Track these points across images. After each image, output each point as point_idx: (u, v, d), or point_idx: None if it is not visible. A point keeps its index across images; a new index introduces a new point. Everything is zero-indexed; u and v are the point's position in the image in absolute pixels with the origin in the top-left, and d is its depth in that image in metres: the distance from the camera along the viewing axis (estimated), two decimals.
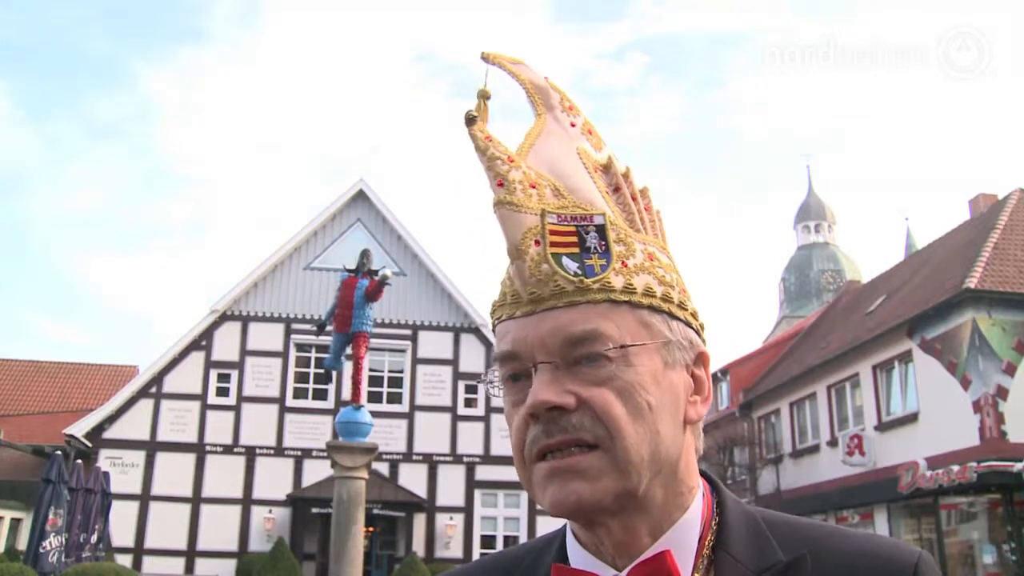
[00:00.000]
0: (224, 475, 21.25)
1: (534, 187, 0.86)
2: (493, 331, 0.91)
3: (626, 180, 0.94)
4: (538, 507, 22.09)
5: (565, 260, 0.83)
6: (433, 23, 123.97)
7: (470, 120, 0.88)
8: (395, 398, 22.65)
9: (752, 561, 0.83)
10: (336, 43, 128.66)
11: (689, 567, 0.83)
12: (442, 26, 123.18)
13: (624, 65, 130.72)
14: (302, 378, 22.58)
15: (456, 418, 22.55)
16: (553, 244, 0.84)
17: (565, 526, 0.92)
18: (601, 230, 0.86)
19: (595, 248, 0.85)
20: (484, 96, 0.91)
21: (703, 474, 0.91)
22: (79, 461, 15.93)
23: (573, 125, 0.97)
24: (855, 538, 0.86)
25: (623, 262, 0.85)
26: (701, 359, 0.90)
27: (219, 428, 21.75)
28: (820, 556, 0.83)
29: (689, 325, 0.89)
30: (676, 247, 0.97)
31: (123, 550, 19.44)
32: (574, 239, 0.85)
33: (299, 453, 21.68)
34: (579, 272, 0.83)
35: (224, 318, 22.73)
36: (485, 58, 0.96)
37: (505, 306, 0.88)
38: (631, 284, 0.84)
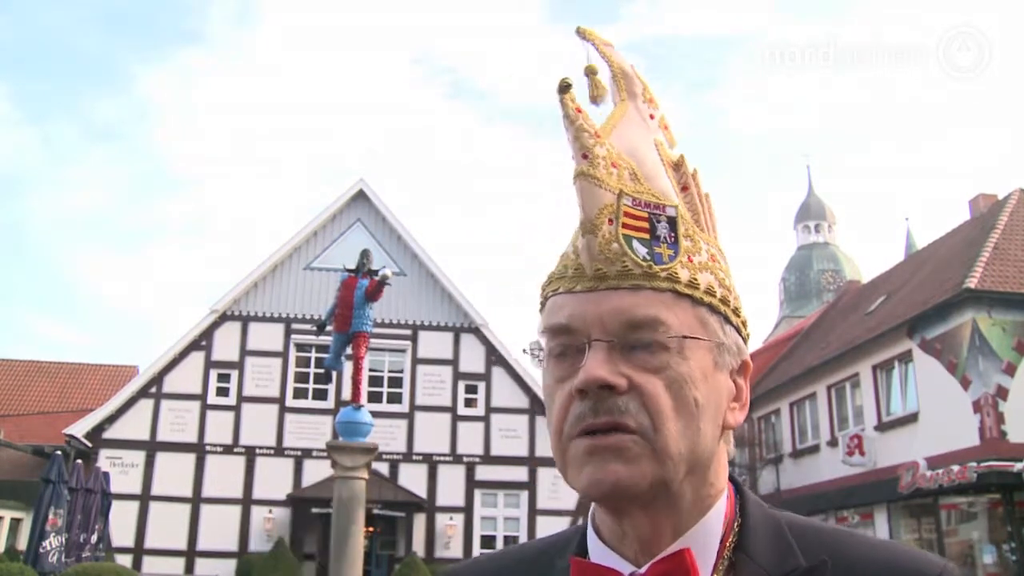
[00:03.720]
0: (224, 475, 21.26)
1: (615, 166, 0.87)
2: (542, 306, 0.90)
3: (694, 180, 0.95)
4: (538, 507, 22.28)
5: (635, 244, 0.84)
6: (429, 25, 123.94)
7: (564, 88, 0.86)
8: (395, 398, 22.66)
9: (772, 565, 0.83)
10: (333, 44, 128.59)
11: (709, 568, 0.82)
12: (438, 28, 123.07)
13: None
14: (302, 378, 22.58)
15: (456, 418, 22.55)
16: (625, 226, 0.84)
17: (586, 523, 0.92)
18: (672, 222, 0.86)
19: (665, 238, 0.85)
20: (592, 72, 0.91)
21: (729, 478, 0.91)
22: (79, 461, 15.92)
23: (652, 117, 0.98)
24: (878, 547, 0.85)
25: (689, 257, 0.86)
26: (744, 368, 0.90)
27: (219, 428, 21.75)
28: (841, 563, 0.82)
29: (739, 332, 0.90)
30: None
31: (123, 550, 19.44)
32: (646, 225, 0.85)
33: (299, 453, 21.68)
34: (648, 257, 0.83)
35: (224, 318, 22.73)
36: (580, 33, 0.95)
37: (565, 279, 0.87)
38: (695, 279, 0.85)
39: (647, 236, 0.84)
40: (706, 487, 0.85)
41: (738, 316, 0.90)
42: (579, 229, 0.86)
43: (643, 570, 0.82)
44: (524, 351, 0.93)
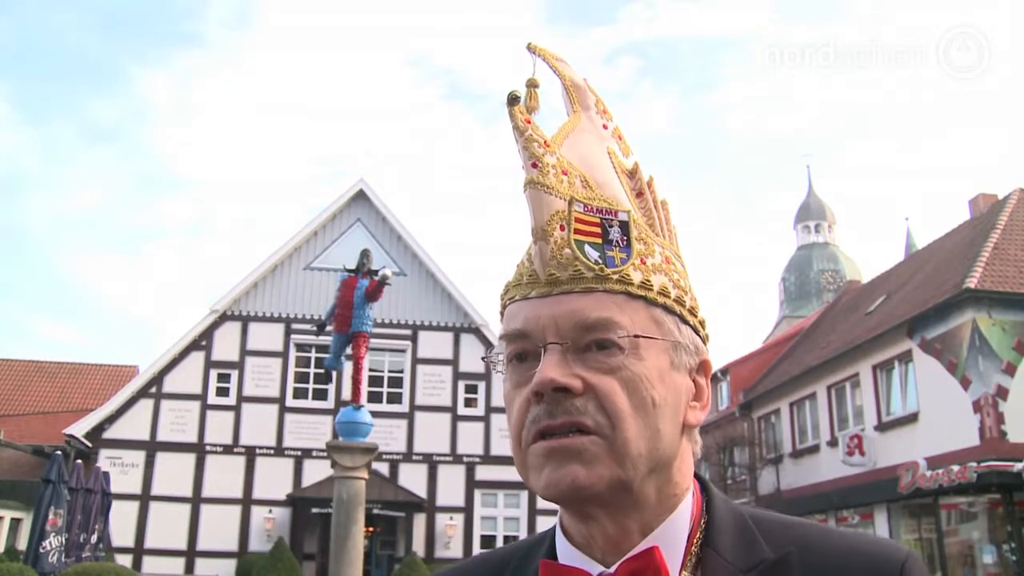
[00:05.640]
0: (224, 475, 21.26)
1: (566, 174, 0.88)
2: (502, 313, 0.92)
3: (649, 188, 0.97)
4: (538, 507, 22.26)
5: (587, 248, 0.85)
6: (427, 26, 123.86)
7: (512, 100, 0.88)
8: (395, 398, 22.66)
9: (739, 559, 0.84)
10: (331, 46, 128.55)
11: (677, 565, 0.83)
12: (436, 29, 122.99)
13: (617, 68, 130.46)
14: (302, 378, 22.58)
15: (456, 418, 22.55)
16: (577, 231, 0.85)
17: (555, 525, 0.93)
18: (624, 226, 0.88)
19: (617, 241, 0.87)
20: (533, 85, 0.93)
21: (694, 475, 0.92)
22: (79, 461, 15.93)
23: (605, 128, 1.00)
24: (843, 536, 0.86)
25: (642, 259, 0.87)
26: (703, 367, 0.91)
27: (219, 428, 21.76)
28: (807, 554, 0.83)
29: (697, 332, 0.91)
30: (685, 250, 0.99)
31: (123, 550, 19.45)
32: (598, 230, 0.86)
33: (299, 453, 21.68)
34: (600, 261, 0.85)
35: (224, 318, 22.73)
36: (531, 50, 0.97)
37: (520, 286, 0.89)
38: (648, 281, 0.87)
39: (599, 240, 0.86)
40: (671, 486, 0.85)
41: (695, 316, 0.91)
42: (532, 236, 0.87)
43: (612, 569, 0.83)
44: (483, 359, 0.94)
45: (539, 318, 0.84)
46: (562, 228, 0.85)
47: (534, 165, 0.86)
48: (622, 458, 0.80)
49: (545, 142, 0.88)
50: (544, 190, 0.86)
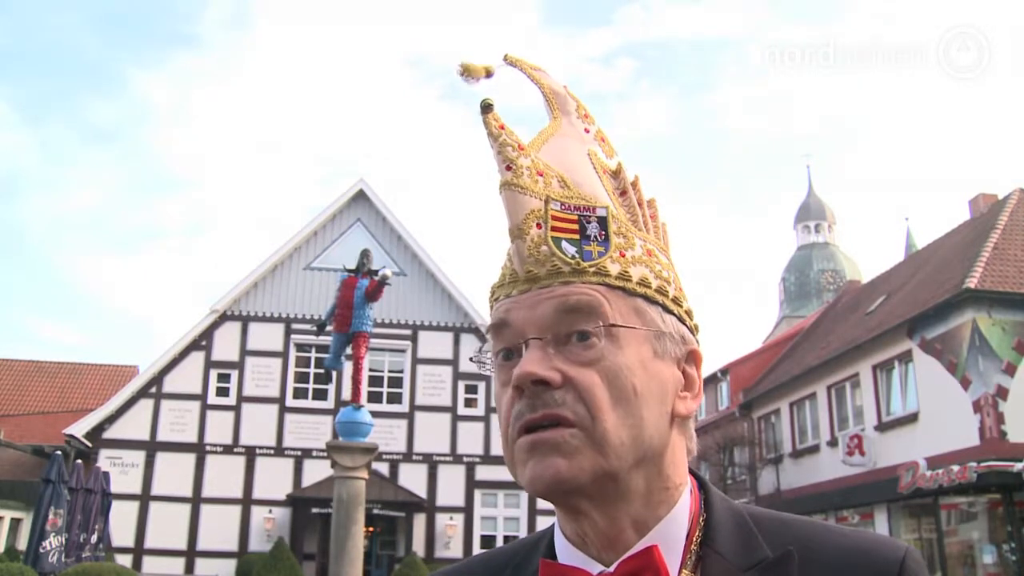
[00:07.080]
0: (224, 475, 21.26)
1: (541, 175, 0.89)
2: (491, 314, 0.93)
3: (634, 187, 0.97)
4: (538, 507, 22.22)
5: (564, 244, 0.86)
6: (423, 28, 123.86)
7: (486, 108, 0.89)
8: (395, 398, 22.66)
9: (739, 557, 0.83)
10: (327, 48, 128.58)
11: (676, 563, 0.82)
12: (432, 31, 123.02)
13: (615, 69, 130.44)
14: (302, 378, 22.59)
15: (456, 418, 22.56)
16: (554, 229, 0.86)
17: (554, 523, 0.92)
18: (603, 221, 0.88)
19: (595, 237, 0.87)
20: (488, 73, 0.95)
21: (691, 473, 0.91)
22: (79, 461, 15.94)
23: (587, 131, 1.01)
24: (842, 534, 0.86)
25: (621, 252, 0.88)
26: (693, 357, 0.90)
27: (219, 428, 21.76)
28: (807, 552, 0.83)
29: (683, 322, 0.91)
30: (677, 247, 0.99)
31: (123, 550, 19.45)
32: (575, 226, 0.87)
33: (299, 453, 21.68)
34: (576, 255, 0.85)
35: (224, 318, 22.74)
36: (508, 61, 0.99)
37: (503, 286, 0.90)
38: (627, 272, 0.87)
39: (576, 236, 0.87)
40: (661, 478, 0.85)
41: (679, 306, 0.91)
42: (509, 236, 0.88)
43: (611, 569, 0.82)
44: (471, 359, 0.94)
45: (520, 315, 0.85)
46: (539, 226, 0.86)
47: (508, 168, 0.88)
48: (603, 448, 0.79)
49: (519, 146, 0.89)
50: (518, 191, 0.87)
